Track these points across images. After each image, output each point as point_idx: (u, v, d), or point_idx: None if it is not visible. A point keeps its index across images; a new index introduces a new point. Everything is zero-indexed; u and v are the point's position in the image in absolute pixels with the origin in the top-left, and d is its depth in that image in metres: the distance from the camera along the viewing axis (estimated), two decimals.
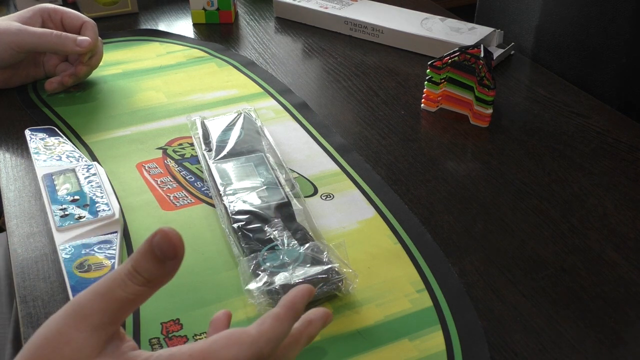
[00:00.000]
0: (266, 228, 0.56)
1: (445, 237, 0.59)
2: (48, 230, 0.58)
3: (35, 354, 0.34)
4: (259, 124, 0.71)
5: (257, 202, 0.59)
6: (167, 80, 0.83)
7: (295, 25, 1.00)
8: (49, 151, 0.67)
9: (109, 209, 0.58)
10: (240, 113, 0.72)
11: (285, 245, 0.54)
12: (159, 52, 0.90)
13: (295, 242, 0.55)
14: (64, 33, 0.76)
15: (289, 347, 0.41)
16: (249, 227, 0.56)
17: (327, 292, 0.51)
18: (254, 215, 0.58)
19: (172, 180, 0.65)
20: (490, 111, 0.74)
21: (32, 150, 0.67)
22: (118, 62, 0.87)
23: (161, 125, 0.74)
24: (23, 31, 0.75)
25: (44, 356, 0.34)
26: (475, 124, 0.75)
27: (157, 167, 0.67)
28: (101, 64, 0.86)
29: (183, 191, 0.64)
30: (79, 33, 0.79)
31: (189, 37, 0.95)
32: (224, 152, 0.66)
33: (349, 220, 0.61)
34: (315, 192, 0.64)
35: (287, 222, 0.57)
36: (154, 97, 0.79)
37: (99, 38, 0.80)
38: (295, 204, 0.60)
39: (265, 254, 0.53)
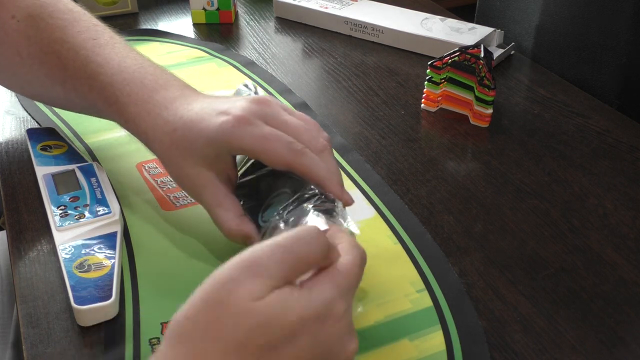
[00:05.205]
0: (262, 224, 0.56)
1: (445, 237, 0.59)
2: (48, 230, 0.58)
3: (210, 297, 0.36)
4: None
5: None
6: None
7: (295, 25, 1.00)
8: (48, 151, 0.67)
9: (109, 209, 0.58)
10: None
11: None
12: (159, 52, 0.90)
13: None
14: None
15: None
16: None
17: None
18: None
19: (172, 180, 0.65)
20: (490, 111, 0.74)
21: (32, 150, 0.67)
22: None
23: None
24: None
25: (219, 299, 0.36)
26: (475, 124, 0.75)
27: (157, 167, 0.67)
28: None
29: (183, 191, 0.63)
30: None
31: (189, 37, 0.95)
32: None
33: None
34: None
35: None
36: None
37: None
38: None
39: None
